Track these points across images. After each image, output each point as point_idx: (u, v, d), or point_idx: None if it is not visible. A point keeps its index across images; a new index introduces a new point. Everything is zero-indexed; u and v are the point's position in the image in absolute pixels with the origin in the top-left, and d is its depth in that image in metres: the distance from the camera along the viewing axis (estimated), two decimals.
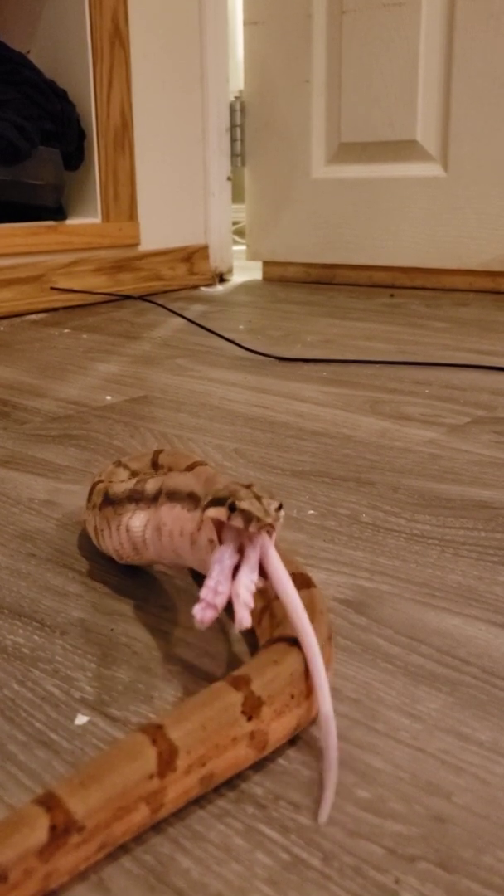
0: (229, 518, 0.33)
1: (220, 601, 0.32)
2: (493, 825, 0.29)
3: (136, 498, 0.44)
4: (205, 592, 0.32)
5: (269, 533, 0.33)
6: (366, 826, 0.29)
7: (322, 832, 0.29)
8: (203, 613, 0.32)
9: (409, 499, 0.59)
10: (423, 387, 0.90)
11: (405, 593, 0.46)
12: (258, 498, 0.33)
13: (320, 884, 0.27)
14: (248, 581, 0.32)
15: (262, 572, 0.33)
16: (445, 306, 1.47)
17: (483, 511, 0.57)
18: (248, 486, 0.34)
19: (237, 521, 0.32)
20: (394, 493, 0.60)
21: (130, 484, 0.45)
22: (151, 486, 0.43)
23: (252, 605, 0.32)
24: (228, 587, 0.32)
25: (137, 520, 0.43)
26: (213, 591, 0.32)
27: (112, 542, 0.46)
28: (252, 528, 0.32)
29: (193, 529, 0.38)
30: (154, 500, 0.42)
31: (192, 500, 0.39)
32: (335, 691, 0.37)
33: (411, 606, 0.44)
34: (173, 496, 0.40)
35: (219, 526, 0.34)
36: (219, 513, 0.33)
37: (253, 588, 0.32)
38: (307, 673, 0.33)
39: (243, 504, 0.33)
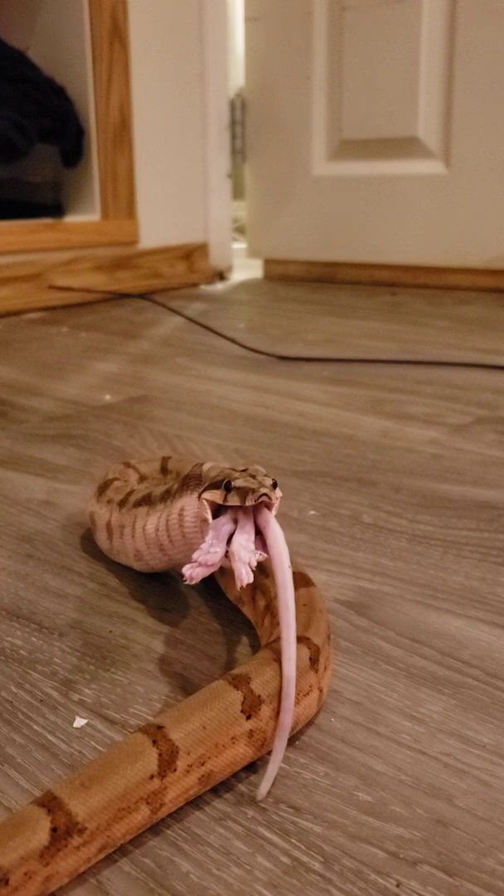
0: (225, 499, 0.33)
1: (212, 559, 0.32)
2: (496, 828, 0.29)
3: (166, 498, 0.43)
4: (197, 554, 0.33)
5: (268, 507, 0.33)
6: (367, 829, 0.29)
7: (323, 836, 0.29)
8: (193, 570, 0.33)
9: (412, 499, 0.59)
10: (426, 386, 0.90)
11: (407, 595, 0.45)
12: (253, 476, 0.34)
13: (321, 888, 0.27)
14: (244, 541, 0.32)
15: (261, 545, 0.33)
16: (448, 305, 1.47)
17: (486, 511, 0.56)
18: (244, 470, 0.35)
19: (234, 500, 0.33)
20: (396, 493, 0.60)
21: (165, 486, 0.44)
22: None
23: (253, 562, 0.32)
24: (223, 548, 0.32)
25: (153, 521, 0.43)
26: (206, 552, 0.33)
27: (135, 543, 0.45)
28: (249, 502, 0.32)
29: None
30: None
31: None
32: (336, 693, 0.37)
33: (413, 608, 0.44)
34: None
35: (215, 508, 0.34)
36: (214, 495, 0.34)
37: (251, 547, 0.32)
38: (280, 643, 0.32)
39: (238, 482, 0.33)
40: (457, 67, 1.55)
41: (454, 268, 1.66)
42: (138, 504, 0.45)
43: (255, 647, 0.40)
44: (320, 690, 0.34)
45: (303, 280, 1.84)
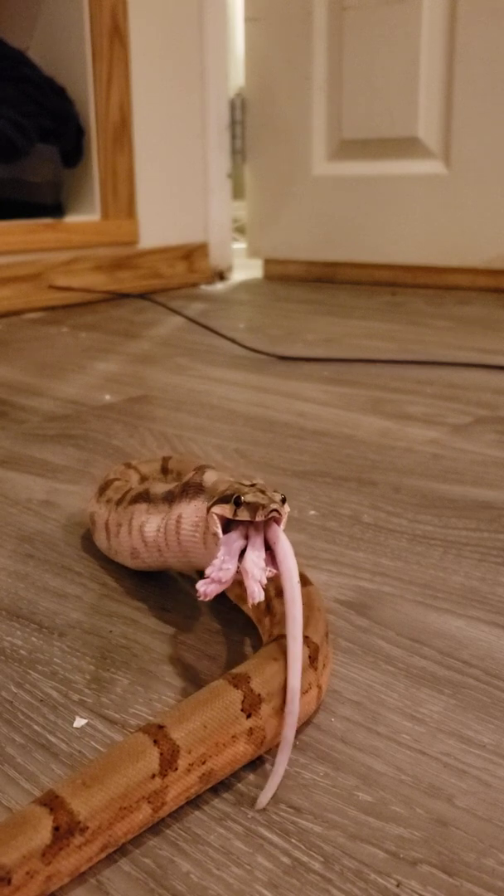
0: (235, 514, 0.33)
1: (225, 576, 0.33)
2: (496, 828, 0.29)
3: (170, 499, 0.43)
4: (210, 570, 0.33)
5: (277, 521, 0.34)
6: (367, 829, 0.29)
7: (323, 836, 0.29)
8: (206, 587, 0.33)
9: (412, 499, 0.59)
10: (426, 386, 0.90)
11: (407, 595, 0.45)
12: (262, 491, 0.34)
13: (321, 888, 0.27)
14: (255, 558, 0.33)
15: (270, 559, 0.33)
16: (448, 305, 1.47)
17: (486, 511, 0.56)
18: (252, 485, 0.35)
19: (244, 515, 0.33)
20: (396, 493, 0.60)
21: (166, 486, 0.44)
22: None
23: (263, 580, 0.32)
24: (234, 565, 0.33)
25: (152, 522, 0.43)
26: (219, 568, 0.33)
27: (132, 541, 0.45)
28: (259, 517, 0.33)
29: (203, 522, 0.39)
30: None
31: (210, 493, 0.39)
32: (336, 693, 0.37)
33: (413, 608, 0.44)
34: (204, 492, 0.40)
35: (224, 523, 0.34)
36: (224, 510, 0.34)
37: (262, 564, 0.33)
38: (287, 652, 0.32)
39: (248, 497, 0.33)
40: (457, 67, 1.55)
41: (454, 268, 1.66)
42: (135, 501, 0.45)
43: (256, 646, 0.40)
44: (319, 688, 0.34)
45: (303, 280, 1.84)
